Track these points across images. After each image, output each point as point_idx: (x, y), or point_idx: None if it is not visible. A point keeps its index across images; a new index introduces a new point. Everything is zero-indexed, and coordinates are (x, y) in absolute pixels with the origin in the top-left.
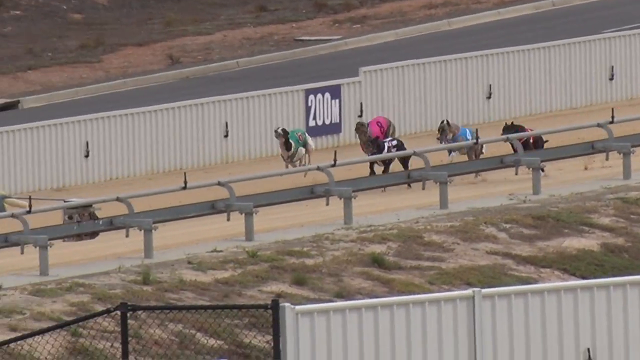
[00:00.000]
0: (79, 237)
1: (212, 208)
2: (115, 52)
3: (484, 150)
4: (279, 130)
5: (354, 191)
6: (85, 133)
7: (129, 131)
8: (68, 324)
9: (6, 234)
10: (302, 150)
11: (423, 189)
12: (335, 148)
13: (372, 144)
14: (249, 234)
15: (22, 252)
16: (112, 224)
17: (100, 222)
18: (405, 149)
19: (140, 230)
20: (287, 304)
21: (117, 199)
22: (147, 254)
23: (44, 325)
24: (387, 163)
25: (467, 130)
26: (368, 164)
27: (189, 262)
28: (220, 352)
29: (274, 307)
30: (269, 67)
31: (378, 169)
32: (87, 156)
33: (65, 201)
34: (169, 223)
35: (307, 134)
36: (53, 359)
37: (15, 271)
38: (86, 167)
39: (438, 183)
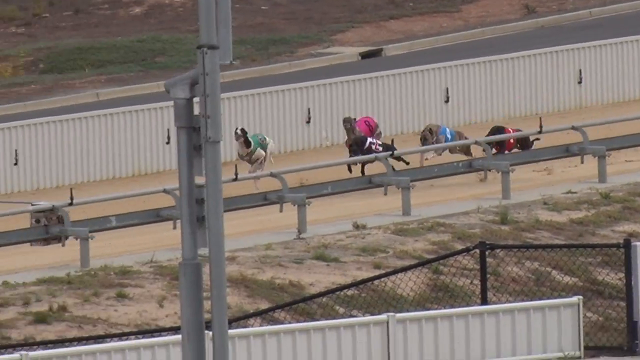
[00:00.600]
0: (47, 241)
1: (567, 151)
2: (474, 2)
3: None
4: (238, 131)
5: None
6: (445, 79)
7: (486, 78)
8: (429, 261)
9: (371, 175)
10: (260, 151)
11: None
12: None
13: (357, 144)
14: (601, 177)
15: (385, 193)
16: (470, 166)
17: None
18: (394, 148)
19: (498, 172)
20: (638, 243)
21: (476, 142)
22: (505, 195)
23: (406, 263)
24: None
25: (447, 129)
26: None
27: (545, 203)
28: (574, 289)
29: (626, 246)
30: (621, 17)
31: (356, 169)
32: (447, 101)
33: (32, 204)
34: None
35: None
36: (415, 295)
37: (379, 212)
38: (446, 111)
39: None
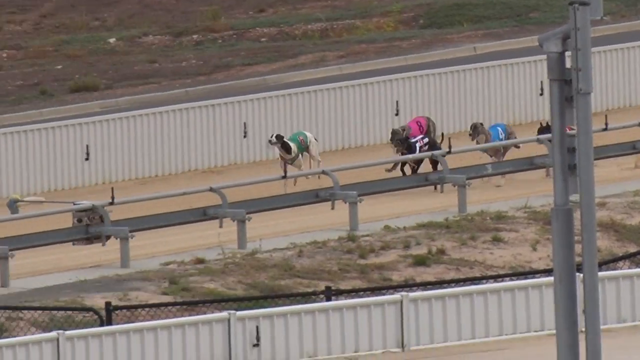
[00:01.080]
0: (89, 240)
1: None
2: None
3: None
4: (272, 139)
5: None
6: None
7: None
8: None
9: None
10: (301, 160)
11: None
12: None
13: (402, 144)
14: None
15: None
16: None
17: None
18: (439, 148)
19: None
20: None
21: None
22: None
23: None
24: (417, 163)
25: (499, 128)
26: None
27: None
28: None
29: None
30: None
31: (408, 170)
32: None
33: (74, 204)
34: None
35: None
36: None
37: None
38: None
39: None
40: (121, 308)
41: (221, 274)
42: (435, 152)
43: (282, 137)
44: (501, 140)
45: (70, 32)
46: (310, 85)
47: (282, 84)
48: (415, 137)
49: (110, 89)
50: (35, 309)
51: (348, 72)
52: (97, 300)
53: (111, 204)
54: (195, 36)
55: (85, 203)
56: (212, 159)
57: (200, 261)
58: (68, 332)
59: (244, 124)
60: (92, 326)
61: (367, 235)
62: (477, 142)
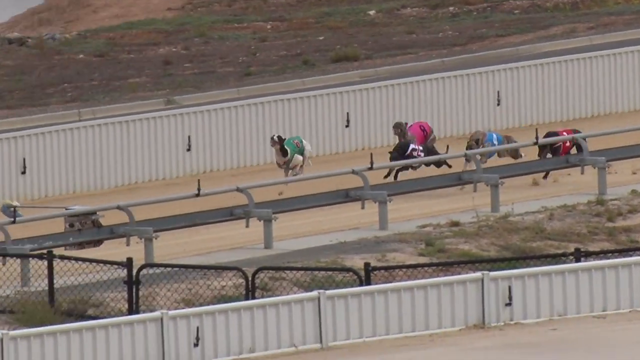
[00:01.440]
0: (81, 245)
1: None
2: None
3: (522, 154)
4: (275, 138)
5: None
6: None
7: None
8: None
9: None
10: (298, 157)
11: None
12: None
13: (398, 151)
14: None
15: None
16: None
17: None
18: (436, 153)
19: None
20: None
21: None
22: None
23: None
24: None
25: (494, 135)
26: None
27: None
28: None
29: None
30: None
31: (403, 175)
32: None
33: (66, 209)
34: None
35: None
36: None
37: None
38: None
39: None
40: (379, 269)
41: (475, 236)
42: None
43: (283, 140)
44: (494, 145)
45: (331, 4)
46: (561, 55)
47: (534, 54)
48: (416, 145)
49: (369, 59)
50: (298, 269)
51: (598, 43)
52: (356, 261)
53: (370, 169)
54: (451, 8)
55: (77, 208)
56: (467, 126)
57: (455, 224)
58: (329, 292)
59: (497, 92)
60: (351, 286)
61: (615, 199)
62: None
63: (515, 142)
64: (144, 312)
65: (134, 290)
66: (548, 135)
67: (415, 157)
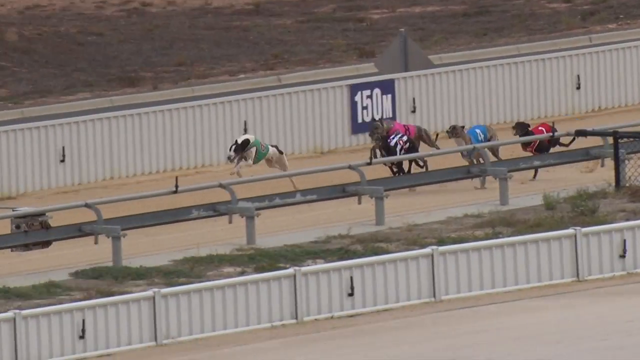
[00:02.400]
0: (27, 246)
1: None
2: None
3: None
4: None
5: None
6: None
7: None
8: None
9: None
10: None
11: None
12: None
13: (381, 142)
14: None
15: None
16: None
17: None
18: (416, 150)
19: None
20: None
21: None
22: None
23: None
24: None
25: (477, 130)
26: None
27: None
28: None
29: None
30: None
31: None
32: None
33: (13, 210)
34: None
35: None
36: None
37: None
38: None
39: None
40: None
41: None
42: (478, 145)
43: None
44: (480, 142)
45: None
46: None
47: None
48: (395, 134)
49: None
50: None
51: None
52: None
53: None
54: None
55: (25, 209)
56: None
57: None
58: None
59: None
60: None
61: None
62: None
63: (497, 138)
64: None
65: None
66: (520, 126)
67: (397, 148)
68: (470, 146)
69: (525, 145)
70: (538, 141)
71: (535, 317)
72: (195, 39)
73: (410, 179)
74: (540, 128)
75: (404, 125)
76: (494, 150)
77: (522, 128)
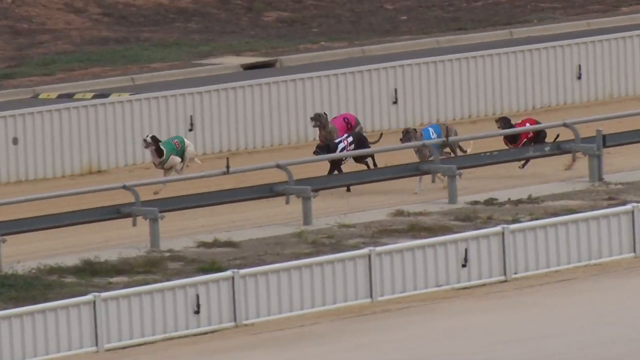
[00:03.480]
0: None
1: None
2: None
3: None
4: (148, 139)
5: None
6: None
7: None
8: None
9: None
10: (175, 158)
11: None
12: None
13: (323, 149)
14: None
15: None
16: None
17: None
18: (368, 146)
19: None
20: None
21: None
22: None
23: None
24: (337, 164)
25: (430, 129)
26: None
27: None
28: None
29: None
30: None
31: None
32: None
33: None
34: None
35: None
36: None
37: None
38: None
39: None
40: None
41: None
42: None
43: (158, 140)
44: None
45: None
46: None
47: None
48: (340, 137)
49: None
50: None
51: None
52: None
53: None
54: None
55: None
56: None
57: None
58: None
59: None
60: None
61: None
62: None
63: (455, 133)
64: None
65: None
66: (503, 121)
67: (339, 145)
68: (419, 142)
69: (510, 141)
70: (524, 138)
71: None
72: None
73: (343, 179)
74: (526, 123)
75: (344, 118)
76: (452, 148)
77: (505, 122)
